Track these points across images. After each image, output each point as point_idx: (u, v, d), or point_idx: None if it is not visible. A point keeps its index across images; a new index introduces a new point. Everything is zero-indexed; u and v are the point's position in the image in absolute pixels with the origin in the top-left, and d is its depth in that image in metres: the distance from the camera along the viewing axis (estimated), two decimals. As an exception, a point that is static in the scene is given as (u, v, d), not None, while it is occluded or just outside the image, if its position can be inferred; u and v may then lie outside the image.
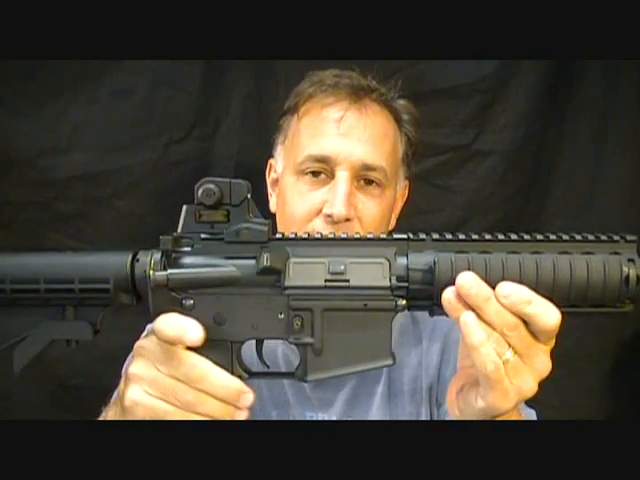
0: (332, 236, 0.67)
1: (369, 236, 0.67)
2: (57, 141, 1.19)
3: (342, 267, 0.65)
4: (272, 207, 1.00)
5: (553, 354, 0.63)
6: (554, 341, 0.63)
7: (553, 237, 0.65)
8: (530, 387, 0.62)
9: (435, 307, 0.65)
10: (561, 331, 0.61)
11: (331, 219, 0.87)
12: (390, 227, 1.00)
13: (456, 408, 0.67)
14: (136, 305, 0.68)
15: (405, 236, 0.66)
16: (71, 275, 0.66)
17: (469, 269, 0.62)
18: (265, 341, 0.70)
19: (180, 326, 0.63)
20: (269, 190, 1.03)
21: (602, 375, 1.33)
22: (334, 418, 0.93)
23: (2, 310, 0.68)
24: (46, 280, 0.66)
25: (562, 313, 0.61)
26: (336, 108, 0.92)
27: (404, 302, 0.65)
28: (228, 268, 0.66)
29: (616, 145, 1.25)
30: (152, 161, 1.22)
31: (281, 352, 0.94)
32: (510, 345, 0.60)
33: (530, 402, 0.74)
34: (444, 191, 1.27)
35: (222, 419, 0.64)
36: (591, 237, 0.65)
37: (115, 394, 0.78)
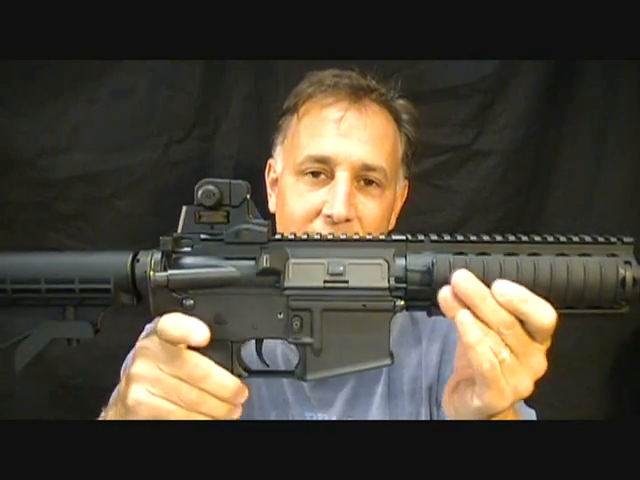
0: (331, 237, 0.67)
1: (368, 237, 0.67)
2: (57, 141, 1.19)
3: (341, 268, 0.65)
4: (271, 207, 1.00)
5: (553, 354, 0.63)
6: (550, 341, 0.63)
7: (551, 239, 0.65)
8: (526, 386, 0.62)
9: (433, 308, 0.65)
10: (558, 331, 0.61)
11: (331, 220, 0.87)
12: (390, 227, 1.00)
13: (452, 407, 0.67)
14: (136, 305, 0.68)
15: (404, 237, 0.67)
16: (72, 275, 0.66)
17: None
18: (265, 341, 0.70)
19: (185, 326, 0.64)
20: (268, 190, 1.03)
21: (602, 375, 1.33)
22: (334, 418, 0.93)
23: (3, 310, 0.68)
24: (47, 280, 0.66)
25: (559, 314, 0.61)
26: (336, 108, 0.92)
27: (402, 303, 0.65)
28: (228, 269, 0.66)
29: (616, 145, 1.25)
30: (152, 161, 1.22)
31: (280, 352, 0.95)
32: (506, 344, 0.60)
33: (530, 402, 0.75)
34: (444, 191, 1.26)
35: (222, 418, 0.64)
36: (588, 239, 0.65)
37: (115, 394, 0.78)
